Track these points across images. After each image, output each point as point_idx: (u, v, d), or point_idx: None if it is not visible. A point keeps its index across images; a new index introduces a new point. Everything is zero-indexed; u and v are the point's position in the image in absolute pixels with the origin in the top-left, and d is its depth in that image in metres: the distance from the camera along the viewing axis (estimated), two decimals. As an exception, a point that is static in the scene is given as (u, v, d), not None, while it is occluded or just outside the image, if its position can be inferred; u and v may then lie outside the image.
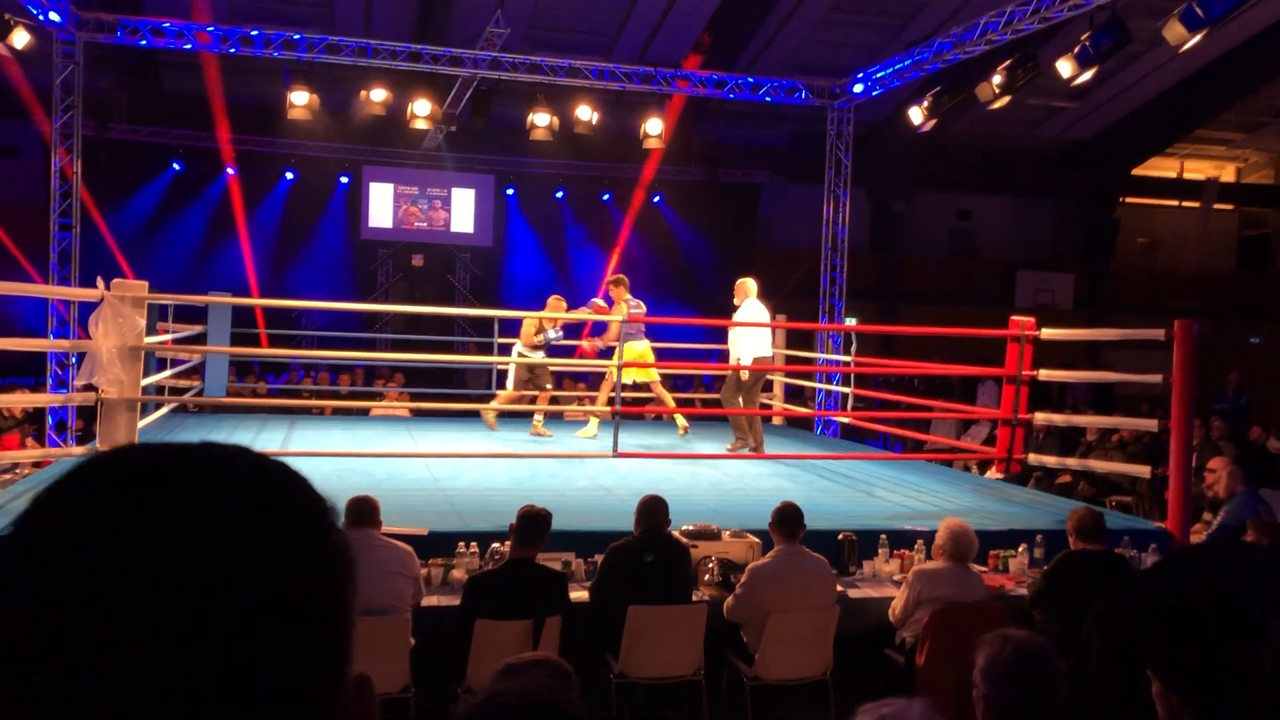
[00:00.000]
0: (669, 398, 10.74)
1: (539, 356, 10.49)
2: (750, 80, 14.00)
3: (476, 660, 5.03)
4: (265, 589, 0.63)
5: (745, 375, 9.61)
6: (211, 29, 12.57)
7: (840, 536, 6.46)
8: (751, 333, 9.66)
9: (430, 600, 5.61)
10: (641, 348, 10.24)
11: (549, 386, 10.78)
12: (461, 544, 6.12)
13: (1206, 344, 7.39)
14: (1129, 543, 6.73)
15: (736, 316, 9.82)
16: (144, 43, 12.50)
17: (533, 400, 10.66)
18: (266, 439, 9.78)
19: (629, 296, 10.22)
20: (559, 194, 19.36)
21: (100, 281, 7.01)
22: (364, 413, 13.07)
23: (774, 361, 10.58)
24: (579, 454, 9.41)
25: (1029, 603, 5.67)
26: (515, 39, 14.17)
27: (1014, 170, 21.16)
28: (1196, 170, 23.38)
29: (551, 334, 10.33)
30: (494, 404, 10.93)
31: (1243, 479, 8.04)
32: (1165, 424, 7.45)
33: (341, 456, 8.68)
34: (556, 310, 10.42)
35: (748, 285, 9.89)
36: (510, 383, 10.65)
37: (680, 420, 10.77)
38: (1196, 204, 23.37)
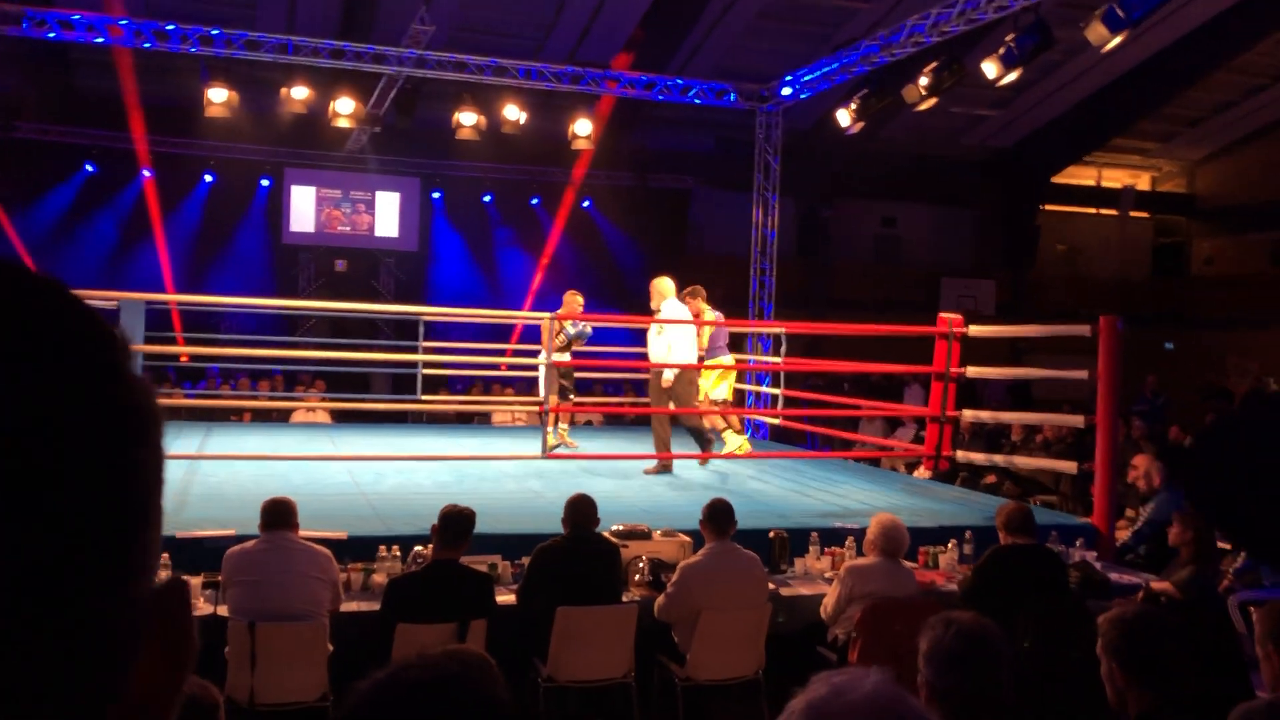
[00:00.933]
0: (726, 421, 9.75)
1: (565, 358, 9.68)
2: (679, 82, 13.97)
3: (398, 665, 4.84)
4: (21, 437, 0.46)
5: (668, 379, 8.86)
6: (125, 23, 12.18)
7: (771, 534, 6.39)
8: (679, 334, 8.96)
9: (350, 606, 5.42)
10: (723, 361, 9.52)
11: (573, 397, 10.21)
12: (383, 548, 5.93)
13: (1123, 347, 7.46)
14: (1056, 538, 6.77)
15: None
16: (52, 35, 12.04)
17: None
18: (180, 446, 9.42)
19: (706, 306, 9.49)
20: (486, 198, 19.14)
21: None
22: (284, 419, 12.73)
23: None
24: (506, 456, 9.22)
25: (960, 598, 5.64)
26: (441, 39, 13.94)
27: (937, 178, 21.43)
28: (1113, 179, 23.93)
29: (572, 329, 9.51)
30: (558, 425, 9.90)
31: (1164, 475, 8.16)
32: (1091, 420, 7.51)
33: (258, 460, 8.40)
34: (573, 305, 9.66)
35: (664, 285, 9.10)
36: (544, 391, 9.40)
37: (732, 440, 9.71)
38: (1114, 212, 23.90)
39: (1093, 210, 24.18)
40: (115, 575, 0.50)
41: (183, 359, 13.11)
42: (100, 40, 12.29)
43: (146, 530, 0.52)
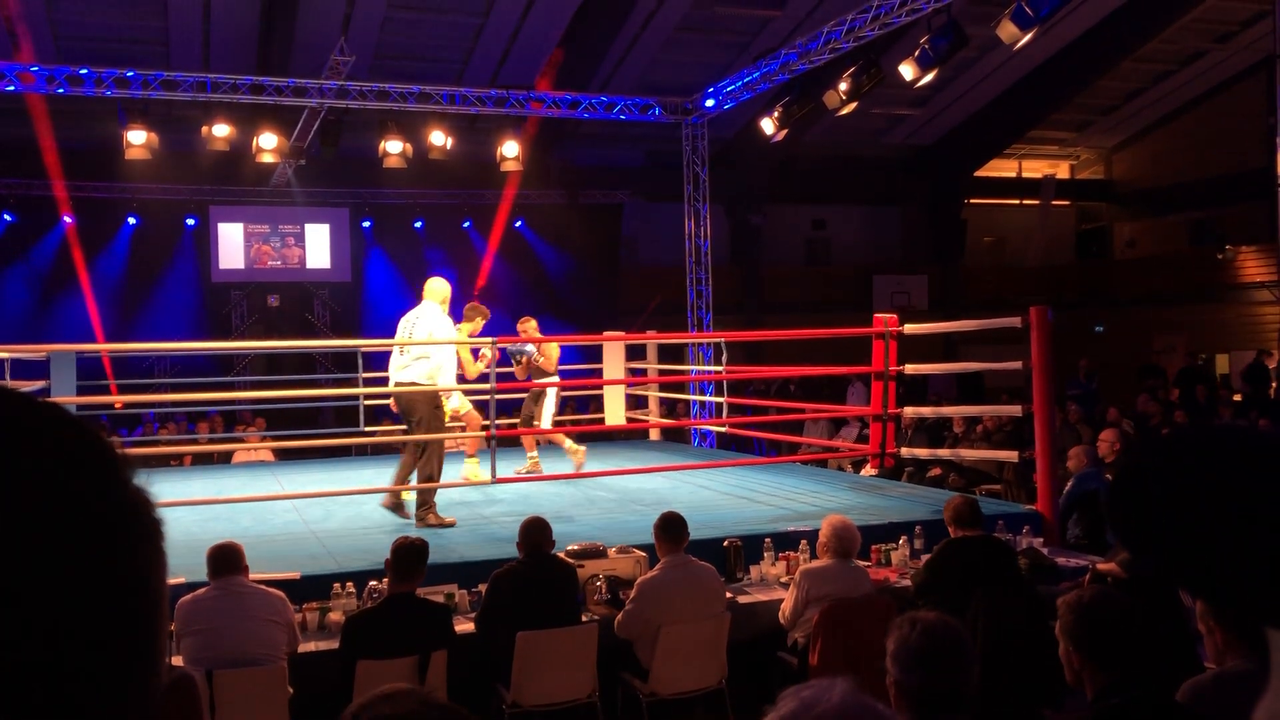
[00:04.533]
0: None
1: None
2: (604, 99, 14.03)
3: (361, 704, 4.79)
4: (36, 556, 0.49)
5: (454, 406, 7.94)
6: (36, 69, 11.95)
7: (725, 543, 6.43)
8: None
9: (308, 646, 5.36)
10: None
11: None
12: (337, 585, 5.87)
13: (1055, 334, 7.64)
14: (1003, 527, 6.90)
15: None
16: (-39, 86, 11.80)
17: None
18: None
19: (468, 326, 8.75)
20: (417, 224, 19.05)
21: (-78, 336, 6.51)
22: (226, 460, 12.53)
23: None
24: (456, 483, 9.16)
25: (914, 593, 5.72)
26: (362, 67, 13.89)
27: (863, 178, 21.76)
28: (1034, 169, 24.46)
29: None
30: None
31: (1091, 457, 8.31)
32: (1028, 409, 7.67)
33: (204, 505, 8.26)
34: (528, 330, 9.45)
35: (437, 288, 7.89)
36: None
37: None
38: (1036, 201, 24.43)
39: (1016, 201, 24.70)
40: (129, 675, 0.52)
41: (118, 406, 12.84)
42: (12, 88, 12.05)
43: (155, 631, 0.54)
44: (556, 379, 9.62)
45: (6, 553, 0.48)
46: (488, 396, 8.25)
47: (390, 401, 8.09)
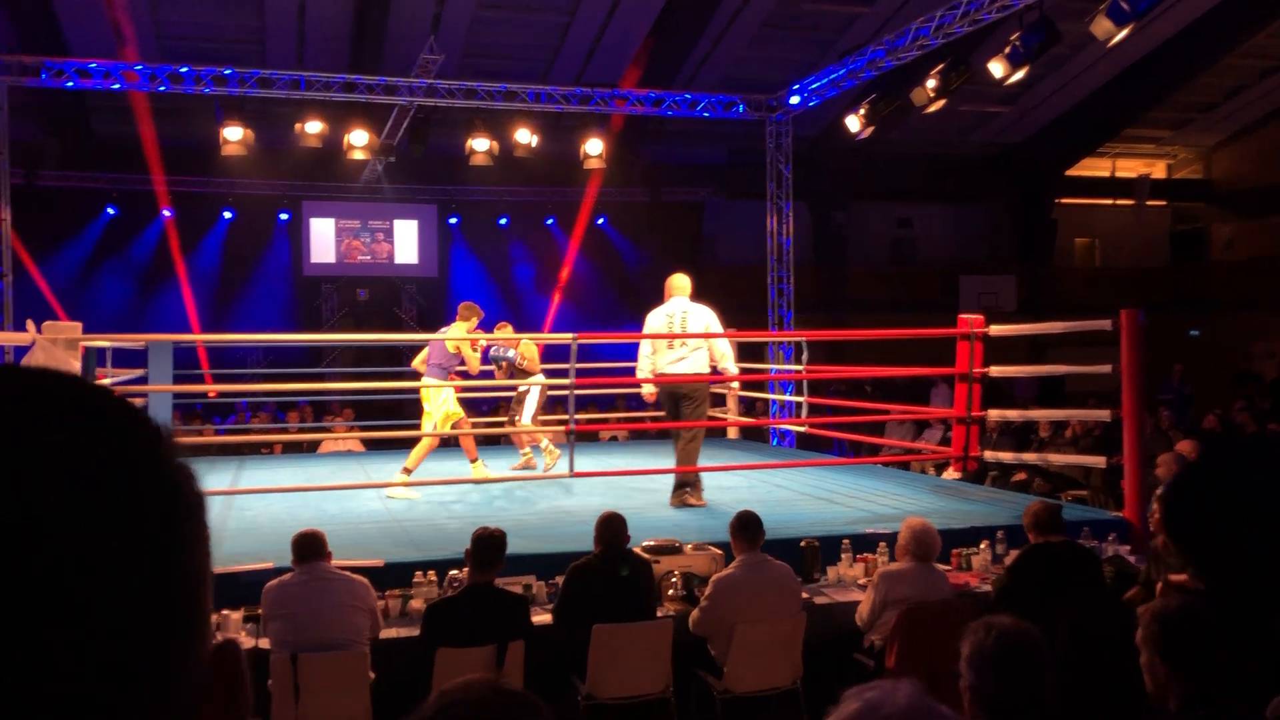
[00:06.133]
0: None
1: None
2: (688, 97, 14.04)
3: (440, 690, 4.88)
4: (83, 529, 0.51)
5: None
6: (139, 68, 12.37)
7: (803, 544, 6.41)
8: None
9: (389, 632, 5.48)
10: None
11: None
12: (419, 573, 5.99)
13: (1148, 337, 7.45)
14: (1089, 533, 6.77)
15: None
16: (70, 85, 12.25)
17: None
18: (214, 480, 9.53)
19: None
20: (502, 220, 19.28)
21: (30, 324, 6.78)
22: (314, 449, 12.84)
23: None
24: (535, 476, 9.27)
25: (994, 599, 5.64)
26: (451, 66, 14.09)
27: (951, 176, 21.39)
28: (1128, 169, 23.82)
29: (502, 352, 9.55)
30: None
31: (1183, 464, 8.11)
32: (1117, 414, 7.50)
33: (291, 492, 8.48)
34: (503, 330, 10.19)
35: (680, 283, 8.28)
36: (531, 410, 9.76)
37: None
38: (1130, 202, 23.79)
39: (1109, 201, 24.08)
40: (175, 646, 0.55)
41: (212, 395, 13.24)
42: (116, 86, 12.48)
43: (199, 604, 0.57)
44: (542, 377, 9.87)
45: (41, 527, 0.50)
46: (566, 391, 8.36)
47: (648, 392, 8.27)
